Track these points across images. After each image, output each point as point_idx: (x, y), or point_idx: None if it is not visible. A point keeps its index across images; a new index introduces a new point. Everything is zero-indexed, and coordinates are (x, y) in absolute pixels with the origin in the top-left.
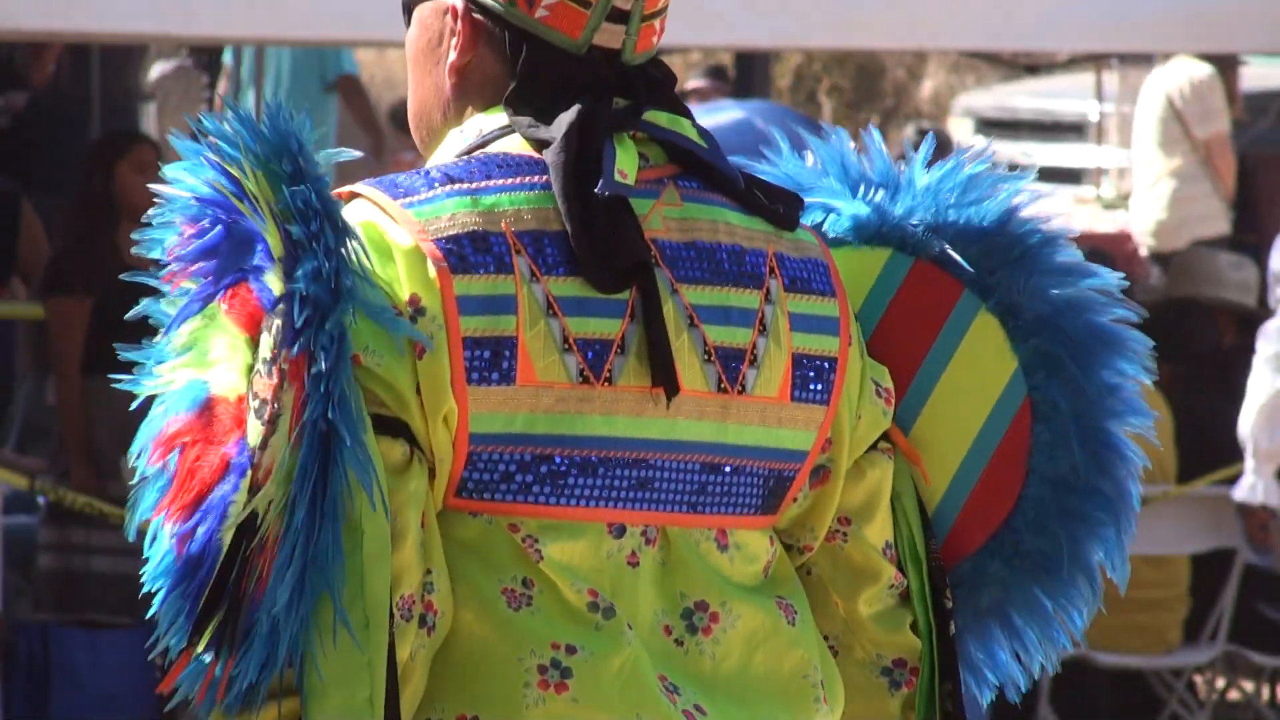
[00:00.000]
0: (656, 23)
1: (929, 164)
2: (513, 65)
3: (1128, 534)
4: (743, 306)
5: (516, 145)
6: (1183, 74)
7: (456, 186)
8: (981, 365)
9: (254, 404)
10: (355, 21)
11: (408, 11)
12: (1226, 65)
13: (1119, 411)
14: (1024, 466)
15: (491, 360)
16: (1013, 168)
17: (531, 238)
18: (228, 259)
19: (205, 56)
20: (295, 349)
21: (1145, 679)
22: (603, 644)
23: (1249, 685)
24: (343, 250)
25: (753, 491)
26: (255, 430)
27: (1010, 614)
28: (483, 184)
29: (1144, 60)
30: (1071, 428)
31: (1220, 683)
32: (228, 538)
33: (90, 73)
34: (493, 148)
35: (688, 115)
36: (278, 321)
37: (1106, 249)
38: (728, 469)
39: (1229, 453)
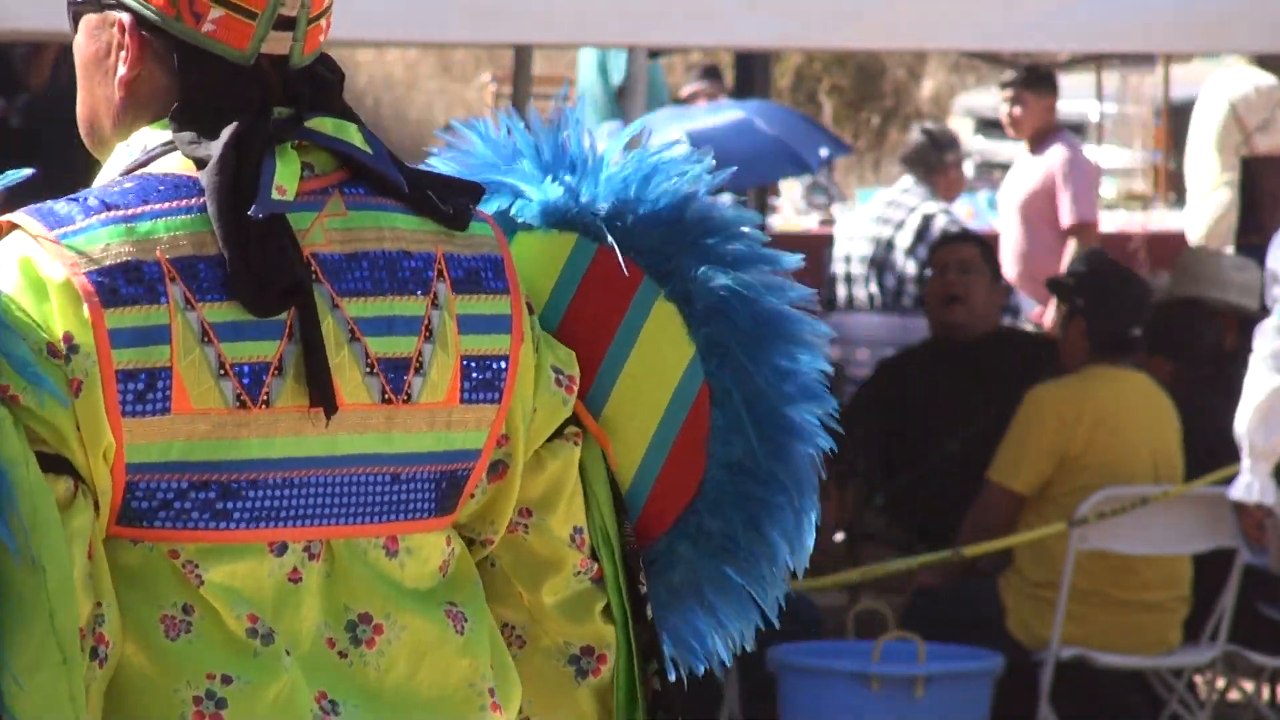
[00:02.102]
0: (323, 21)
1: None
2: (180, 79)
3: (808, 516)
4: (407, 315)
5: (178, 164)
6: (1248, 82)
7: (112, 214)
8: (662, 351)
9: None
10: (355, 21)
11: (75, 20)
12: None
13: (794, 396)
14: (705, 451)
15: (146, 391)
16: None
17: (186, 264)
18: None
19: None
20: None
21: (1145, 679)
22: (259, 673)
23: (1249, 685)
24: None
25: (424, 495)
26: None
27: (704, 591)
28: (139, 210)
29: (1144, 60)
30: (743, 414)
31: (1220, 683)
32: None
33: None
34: (155, 166)
35: (354, 119)
36: None
37: (1106, 249)
38: (395, 478)
39: (1230, 454)
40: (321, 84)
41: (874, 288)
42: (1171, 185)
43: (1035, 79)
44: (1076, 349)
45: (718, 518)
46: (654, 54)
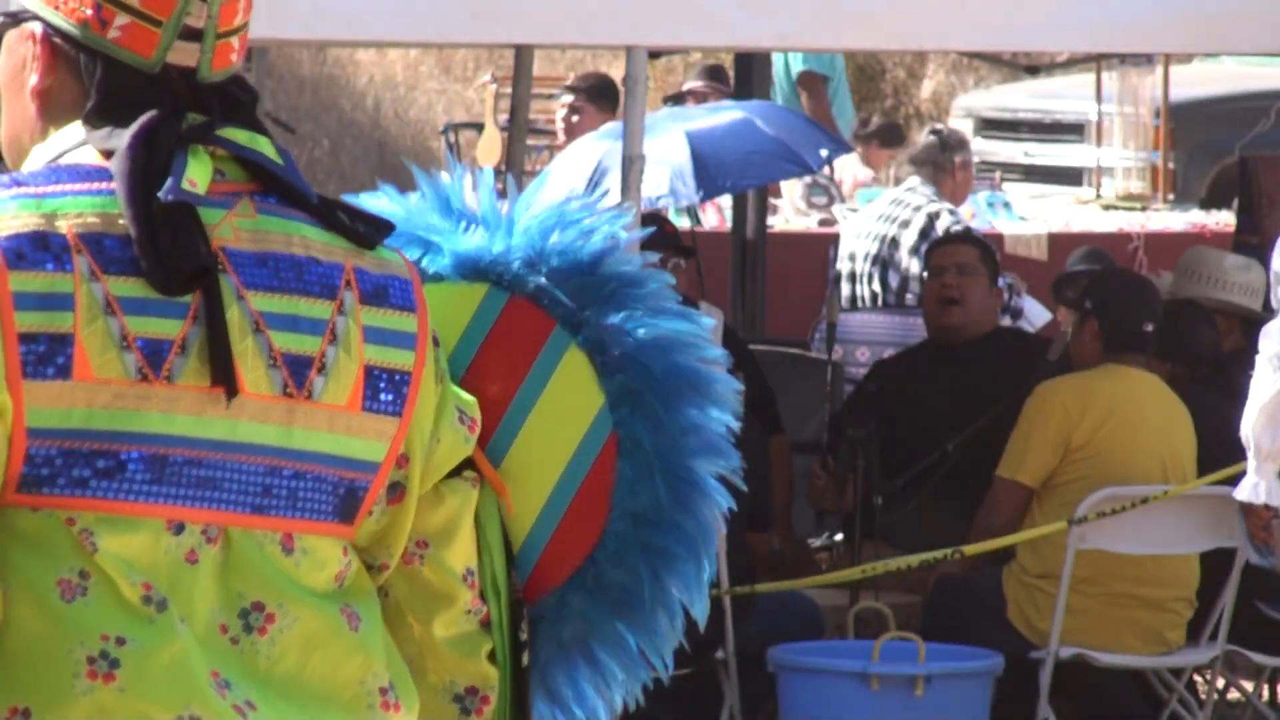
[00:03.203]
0: (235, 40)
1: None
2: (90, 86)
3: (708, 570)
4: (313, 316)
5: (90, 156)
6: None
7: (23, 190)
8: (570, 400)
9: None
10: (355, 21)
11: None
12: None
13: (700, 451)
14: (608, 501)
15: (47, 355)
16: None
17: (94, 239)
18: None
19: None
20: None
21: (1145, 678)
22: (153, 637)
23: (1249, 685)
24: None
25: (324, 499)
26: None
27: (593, 647)
28: (49, 189)
29: (1144, 60)
30: (653, 464)
31: (1220, 683)
32: None
33: None
34: (67, 158)
35: (266, 134)
36: None
37: (1106, 249)
38: (293, 473)
39: (1230, 455)
40: (233, 102)
41: (877, 285)
42: (1171, 185)
43: (598, 91)
44: (1089, 351)
45: (620, 568)
46: (654, 55)
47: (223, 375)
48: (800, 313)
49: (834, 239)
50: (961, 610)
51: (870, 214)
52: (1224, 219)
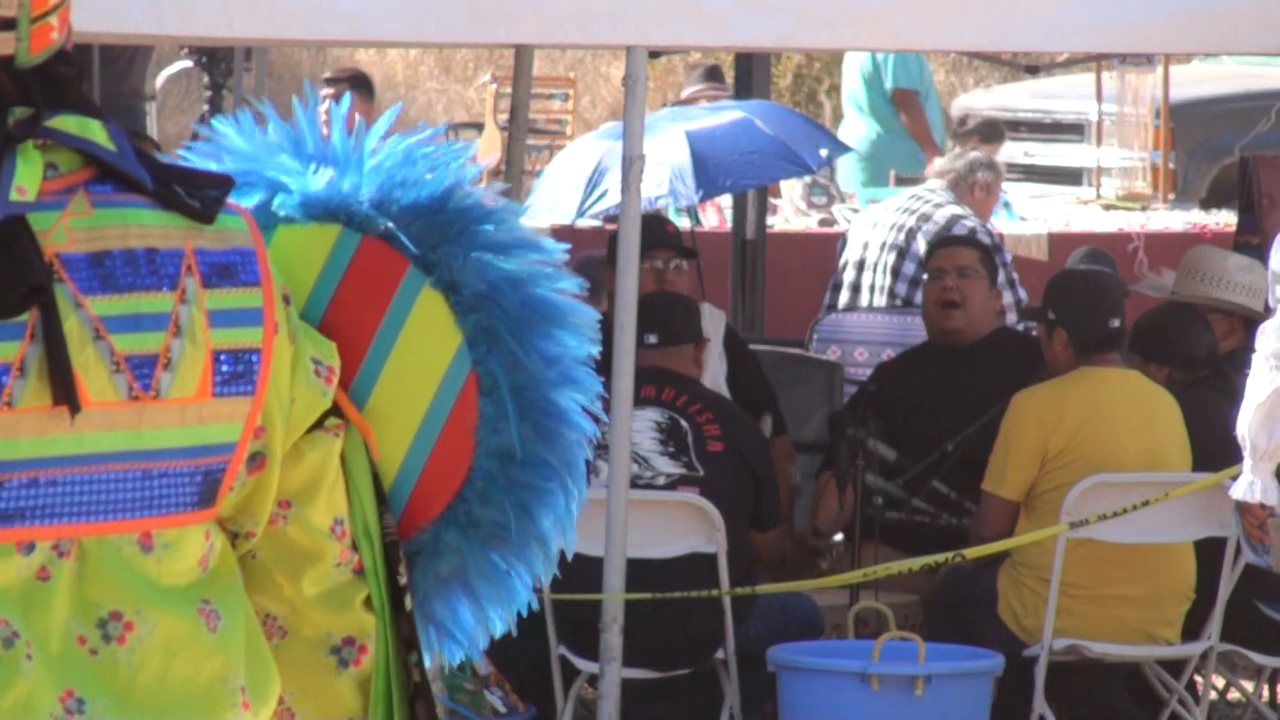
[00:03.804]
0: (54, 19)
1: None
2: None
3: (577, 500)
4: (154, 311)
5: None
6: None
7: None
8: (428, 341)
9: None
10: (355, 21)
11: None
12: None
13: (561, 382)
14: (473, 439)
15: None
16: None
17: None
18: None
19: (204, 56)
20: None
21: (1144, 679)
22: None
23: (1249, 685)
24: None
25: (181, 491)
26: None
27: (470, 579)
28: None
29: (1144, 60)
30: (510, 401)
31: (1219, 682)
32: None
33: (91, 72)
34: None
35: (97, 115)
36: None
37: (1106, 249)
38: (146, 474)
39: (1225, 455)
40: (59, 81)
41: (888, 274)
42: (1171, 185)
43: (357, 81)
44: (1062, 359)
45: (488, 505)
46: (654, 55)
47: (64, 394)
48: (800, 313)
49: (834, 239)
50: (961, 605)
51: (888, 206)
52: (1224, 219)
